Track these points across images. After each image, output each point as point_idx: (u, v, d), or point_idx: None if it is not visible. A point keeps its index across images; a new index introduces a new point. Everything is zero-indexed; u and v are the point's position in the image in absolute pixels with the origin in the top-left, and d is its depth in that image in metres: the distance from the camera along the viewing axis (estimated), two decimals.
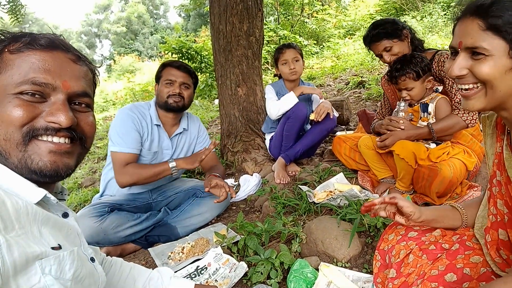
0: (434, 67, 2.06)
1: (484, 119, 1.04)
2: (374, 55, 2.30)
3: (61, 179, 0.80)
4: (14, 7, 4.83)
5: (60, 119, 0.72)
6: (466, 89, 0.87)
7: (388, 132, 2.08)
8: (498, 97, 0.82)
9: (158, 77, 2.20)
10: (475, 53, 0.82)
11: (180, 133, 2.29)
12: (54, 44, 0.76)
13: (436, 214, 1.16)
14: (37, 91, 0.72)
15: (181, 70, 2.14)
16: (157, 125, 2.17)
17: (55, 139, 0.74)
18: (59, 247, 0.71)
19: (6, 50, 0.73)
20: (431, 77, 2.01)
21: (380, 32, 2.17)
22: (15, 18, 4.90)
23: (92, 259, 0.86)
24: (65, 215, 0.82)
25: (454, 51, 0.89)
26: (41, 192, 0.72)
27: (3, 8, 4.81)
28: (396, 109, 2.15)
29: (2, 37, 0.75)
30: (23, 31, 0.77)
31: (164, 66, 2.19)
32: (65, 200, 0.87)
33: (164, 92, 2.11)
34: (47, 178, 0.73)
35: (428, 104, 2.03)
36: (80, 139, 0.79)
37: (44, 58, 0.73)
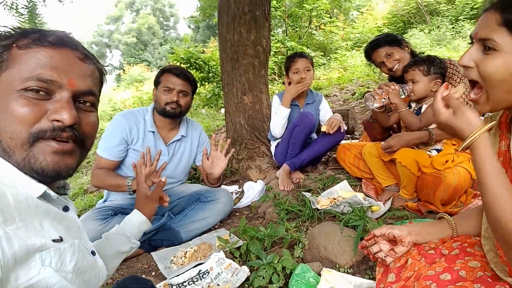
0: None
1: (487, 119, 1.04)
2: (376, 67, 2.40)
3: (62, 179, 0.80)
4: (31, 16, 5.03)
5: (63, 117, 0.72)
6: (474, 94, 0.90)
7: (378, 90, 2.05)
8: (502, 99, 0.83)
9: (157, 82, 2.19)
10: (486, 47, 0.83)
11: (178, 140, 2.29)
12: (62, 41, 0.76)
13: (424, 224, 1.23)
14: (42, 87, 0.71)
15: (180, 78, 2.13)
16: (151, 131, 2.17)
17: (59, 138, 0.73)
18: (61, 239, 0.71)
19: (14, 45, 0.72)
20: (439, 81, 1.98)
21: (381, 39, 2.31)
22: (34, 26, 5.10)
23: (93, 253, 0.87)
24: (66, 209, 0.82)
25: (471, 41, 0.91)
26: (41, 188, 0.72)
27: (22, 18, 5.00)
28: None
29: (12, 33, 0.75)
30: (33, 28, 0.77)
31: (163, 71, 2.18)
32: (67, 194, 0.87)
33: (162, 99, 2.12)
34: (48, 178, 0.73)
35: (422, 106, 2.04)
36: (81, 139, 0.78)
37: (51, 55, 0.73)
